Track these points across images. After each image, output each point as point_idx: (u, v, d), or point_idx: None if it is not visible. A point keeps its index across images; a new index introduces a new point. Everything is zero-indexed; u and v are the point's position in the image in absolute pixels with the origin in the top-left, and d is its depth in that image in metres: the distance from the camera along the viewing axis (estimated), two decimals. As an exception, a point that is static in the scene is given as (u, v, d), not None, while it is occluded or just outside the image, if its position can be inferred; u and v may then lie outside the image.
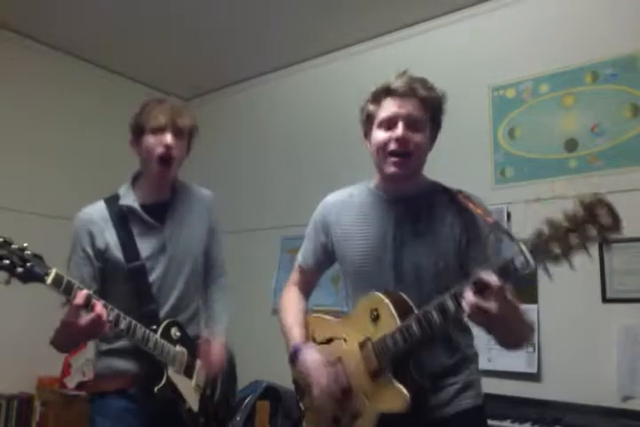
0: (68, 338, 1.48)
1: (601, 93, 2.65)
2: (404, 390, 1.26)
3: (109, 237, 1.65)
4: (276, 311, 2.91)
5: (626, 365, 2.32)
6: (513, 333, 1.25)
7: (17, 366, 3.21)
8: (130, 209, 1.68)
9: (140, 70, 4.09)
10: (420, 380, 1.30)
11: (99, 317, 1.38)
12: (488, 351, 2.64)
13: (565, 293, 2.52)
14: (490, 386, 2.50)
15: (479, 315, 1.11)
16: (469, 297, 1.11)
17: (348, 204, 1.54)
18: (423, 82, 1.40)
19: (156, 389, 1.57)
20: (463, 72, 3.07)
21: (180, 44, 3.72)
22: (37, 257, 1.34)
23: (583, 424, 2.24)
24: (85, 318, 1.37)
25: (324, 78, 3.77)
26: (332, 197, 1.60)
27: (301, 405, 1.54)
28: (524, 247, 1.06)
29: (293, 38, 3.62)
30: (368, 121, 1.44)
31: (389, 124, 1.37)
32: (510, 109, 2.91)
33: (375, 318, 1.35)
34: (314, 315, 1.63)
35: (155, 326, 1.62)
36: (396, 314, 1.30)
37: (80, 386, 3.24)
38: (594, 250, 2.69)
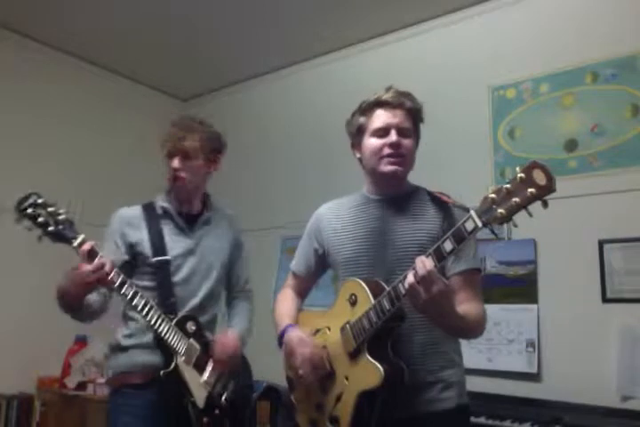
0: (69, 285, 1.54)
1: (601, 93, 2.65)
2: (379, 366, 1.31)
3: (141, 234, 1.79)
4: (276, 311, 2.89)
5: (626, 365, 2.32)
6: (448, 322, 1.32)
7: (17, 366, 3.21)
8: (165, 210, 1.85)
9: (139, 70, 4.08)
10: (397, 360, 1.34)
11: (102, 265, 1.50)
12: (488, 351, 2.64)
13: (565, 293, 2.52)
14: (490, 386, 2.53)
15: (413, 297, 1.22)
16: (409, 278, 1.21)
17: (339, 209, 1.63)
18: (408, 95, 1.54)
19: (162, 372, 1.65)
20: (463, 72, 3.07)
21: (179, 44, 3.71)
22: (69, 221, 1.49)
23: (583, 424, 2.23)
24: (90, 264, 1.49)
25: (323, 78, 3.77)
26: (324, 206, 1.70)
27: (292, 398, 1.60)
28: (472, 213, 1.14)
29: (293, 38, 3.62)
30: (359, 132, 1.56)
31: (383, 132, 1.50)
32: (510, 109, 2.91)
33: (354, 303, 1.42)
34: (302, 312, 1.69)
35: (173, 316, 1.72)
36: (370, 295, 1.37)
37: (80, 386, 3.24)
38: (594, 250, 2.69)
